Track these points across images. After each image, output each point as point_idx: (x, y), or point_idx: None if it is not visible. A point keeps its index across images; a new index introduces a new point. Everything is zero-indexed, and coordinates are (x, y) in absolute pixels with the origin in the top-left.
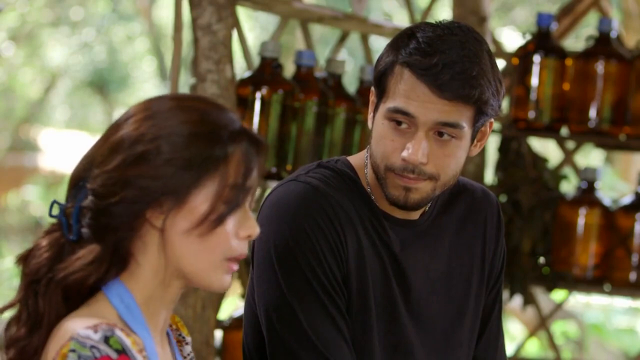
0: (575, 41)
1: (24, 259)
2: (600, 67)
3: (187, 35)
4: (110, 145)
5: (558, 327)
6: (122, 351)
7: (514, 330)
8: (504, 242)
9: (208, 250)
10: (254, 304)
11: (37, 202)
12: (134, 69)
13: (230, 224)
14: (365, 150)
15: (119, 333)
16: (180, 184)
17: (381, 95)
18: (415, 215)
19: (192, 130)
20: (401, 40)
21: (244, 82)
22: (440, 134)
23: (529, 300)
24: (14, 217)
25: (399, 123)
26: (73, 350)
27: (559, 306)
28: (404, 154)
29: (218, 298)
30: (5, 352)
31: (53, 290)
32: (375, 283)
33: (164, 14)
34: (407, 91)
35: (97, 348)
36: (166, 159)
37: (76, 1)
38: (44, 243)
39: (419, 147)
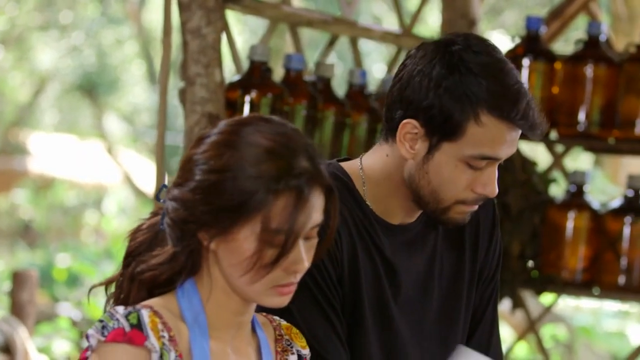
0: (565, 44)
1: (130, 235)
2: (589, 70)
3: (176, 38)
4: (183, 160)
5: (547, 331)
6: (135, 326)
7: (503, 334)
8: (500, 242)
9: (252, 283)
10: None
11: (26, 206)
12: (123, 72)
13: (280, 264)
14: (359, 160)
15: (143, 311)
16: (221, 219)
17: (448, 135)
18: (411, 219)
19: (246, 175)
20: (469, 82)
21: (233, 85)
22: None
23: (517, 303)
24: (3, 221)
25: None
26: (101, 321)
27: (548, 309)
28: (485, 190)
29: None
30: None
31: (136, 280)
32: (368, 284)
33: (154, 17)
34: (497, 137)
35: (118, 320)
36: (216, 192)
37: (65, 5)
38: (146, 225)
39: (495, 181)
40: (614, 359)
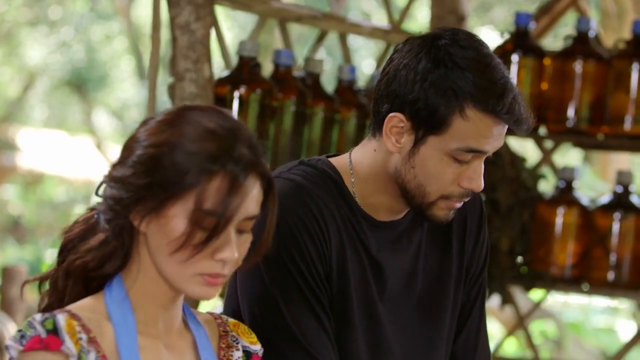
0: (554, 40)
1: (66, 230)
2: (578, 66)
3: (165, 34)
4: (126, 140)
5: (536, 327)
6: (52, 331)
7: (492, 330)
8: (487, 239)
9: (177, 266)
10: (236, 300)
11: (15, 201)
12: (112, 68)
13: (207, 248)
14: (348, 155)
15: (59, 316)
16: (154, 197)
17: (434, 129)
18: (398, 216)
19: (183, 151)
20: (455, 76)
21: (222, 81)
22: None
23: (507, 299)
24: None
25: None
26: (20, 330)
27: (537, 305)
28: (471, 185)
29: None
30: None
31: (71, 274)
32: (355, 282)
33: (143, 13)
34: (482, 131)
35: (35, 328)
36: (153, 166)
37: (54, 0)
38: (82, 219)
39: (481, 175)
40: (603, 354)
